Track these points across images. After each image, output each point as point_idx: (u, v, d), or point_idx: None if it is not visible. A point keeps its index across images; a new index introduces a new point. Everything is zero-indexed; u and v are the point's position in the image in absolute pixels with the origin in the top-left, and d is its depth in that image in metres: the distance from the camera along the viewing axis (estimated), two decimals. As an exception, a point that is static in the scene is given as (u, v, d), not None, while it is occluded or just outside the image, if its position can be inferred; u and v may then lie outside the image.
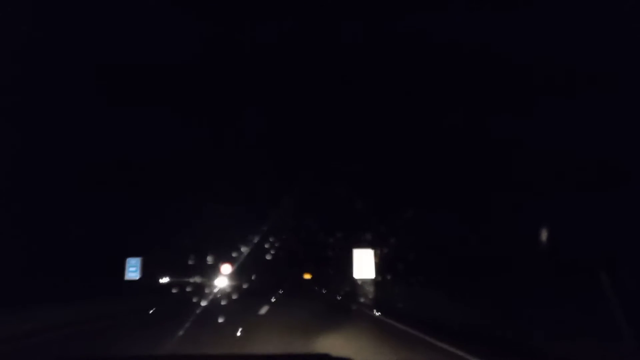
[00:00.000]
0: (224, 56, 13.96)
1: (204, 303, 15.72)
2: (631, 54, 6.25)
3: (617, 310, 5.46)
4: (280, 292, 28.70)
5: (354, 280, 18.19)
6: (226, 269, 21.10)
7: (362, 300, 17.24)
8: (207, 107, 16.69)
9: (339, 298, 21.31)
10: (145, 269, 18.80)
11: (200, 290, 22.39)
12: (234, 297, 20.38)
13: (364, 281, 17.45)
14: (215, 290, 22.04)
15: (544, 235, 7.25)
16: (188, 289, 22.79)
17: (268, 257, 24.82)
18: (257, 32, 11.97)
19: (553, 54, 7.47)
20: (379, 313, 12.59)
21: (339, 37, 11.72)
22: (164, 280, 25.50)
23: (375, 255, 17.14)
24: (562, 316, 6.28)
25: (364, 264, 16.93)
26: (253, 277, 45.75)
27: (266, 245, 24.67)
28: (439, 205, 12.50)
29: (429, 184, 12.97)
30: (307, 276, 55.17)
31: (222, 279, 23.31)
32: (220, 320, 10.08)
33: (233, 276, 23.61)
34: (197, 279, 26.98)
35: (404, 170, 14.48)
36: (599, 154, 6.73)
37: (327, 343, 6.91)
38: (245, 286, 28.74)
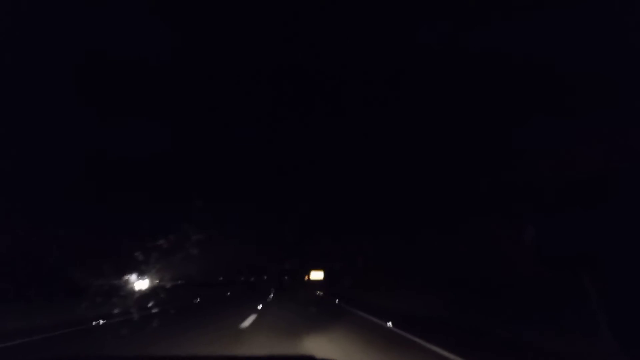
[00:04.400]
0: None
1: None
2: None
3: (598, 308, 5.55)
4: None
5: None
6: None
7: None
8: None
9: None
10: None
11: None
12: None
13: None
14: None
15: (528, 234, 7.41)
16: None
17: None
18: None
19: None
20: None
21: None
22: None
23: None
24: (544, 312, 6.34)
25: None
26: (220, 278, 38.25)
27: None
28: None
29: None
30: (316, 275, 33.35)
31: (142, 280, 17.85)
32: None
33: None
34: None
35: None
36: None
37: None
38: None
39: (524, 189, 8.76)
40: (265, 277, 56.71)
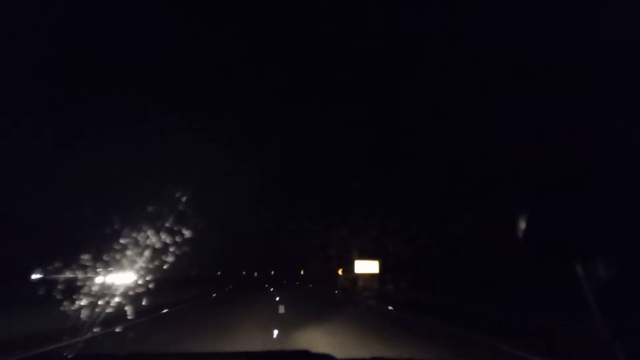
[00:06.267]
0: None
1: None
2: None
3: (589, 296, 5.43)
4: None
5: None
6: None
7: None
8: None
9: None
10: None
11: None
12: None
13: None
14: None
15: (522, 226, 7.23)
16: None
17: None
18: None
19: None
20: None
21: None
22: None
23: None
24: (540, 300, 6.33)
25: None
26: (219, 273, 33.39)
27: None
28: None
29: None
30: (364, 268, 18.16)
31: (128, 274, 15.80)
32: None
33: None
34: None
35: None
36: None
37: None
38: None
39: (514, 179, 8.57)
40: (273, 272, 49.80)
